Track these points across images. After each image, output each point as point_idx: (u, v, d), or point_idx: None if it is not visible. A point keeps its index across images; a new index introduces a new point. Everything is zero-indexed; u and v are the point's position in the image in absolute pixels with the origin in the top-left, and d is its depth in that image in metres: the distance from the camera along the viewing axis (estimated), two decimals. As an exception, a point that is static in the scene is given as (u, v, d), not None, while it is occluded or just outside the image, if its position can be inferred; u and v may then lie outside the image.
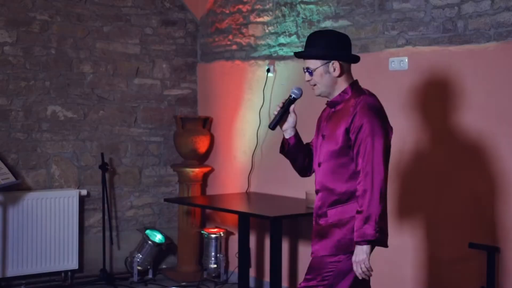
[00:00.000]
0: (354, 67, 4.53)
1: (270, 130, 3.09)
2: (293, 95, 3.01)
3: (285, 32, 5.10)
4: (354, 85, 2.97)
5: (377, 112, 2.87)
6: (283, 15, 5.12)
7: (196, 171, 5.63)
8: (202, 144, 5.64)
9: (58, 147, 5.32)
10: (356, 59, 3.01)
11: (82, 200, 5.38)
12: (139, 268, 5.46)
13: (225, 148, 5.72)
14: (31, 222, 5.05)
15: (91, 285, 5.30)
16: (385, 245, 2.83)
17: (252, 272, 5.26)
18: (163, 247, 5.61)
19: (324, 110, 3.11)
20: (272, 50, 5.21)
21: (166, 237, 5.65)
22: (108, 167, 5.42)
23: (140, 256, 5.46)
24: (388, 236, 2.85)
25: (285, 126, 3.04)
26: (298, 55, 3.01)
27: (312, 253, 2.99)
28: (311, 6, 4.88)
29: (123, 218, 5.66)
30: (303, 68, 2.98)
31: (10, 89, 5.09)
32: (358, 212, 2.78)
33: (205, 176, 5.84)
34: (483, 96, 3.90)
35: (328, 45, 2.92)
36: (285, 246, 4.98)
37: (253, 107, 5.31)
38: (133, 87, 5.68)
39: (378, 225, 2.74)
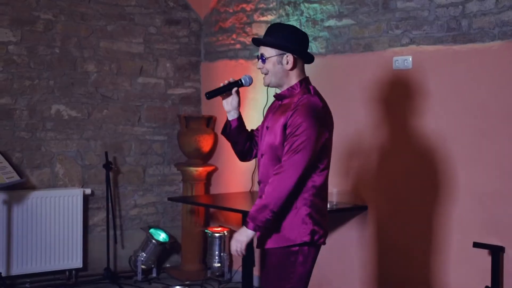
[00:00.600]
0: (358, 66, 4.57)
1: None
2: (242, 81, 3.05)
3: (289, 31, 5.10)
4: (303, 82, 2.99)
5: (314, 113, 2.87)
6: (287, 14, 5.12)
7: (200, 170, 5.64)
8: (205, 143, 5.65)
9: (62, 146, 5.33)
10: (311, 59, 3.05)
11: (86, 199, 5.39)
12: (143, 267, 5.46)
13: (229, 147, 5.66)
14: (36, 220, 5.06)
15: (95, 283, 5.31)
16: (256, 231, 2.90)
17: (256, 271, 5.25)
18: (167, 246, 5.61)
19: (274, 101, 3.14)
20: (276, 49, 5.20)
21: (170, 236, 5.66)
22: (112, 166, 5.43)
23: (144, 255, 5.47)
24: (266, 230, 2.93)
25: (228, 107, 3.07)
26: (255, 41, 3.05)
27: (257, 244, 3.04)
28: (315, 5, 4.88)
29: (127, 217, 5.67)
30: (257, 55, 3.01)
31: (14, 88, 5.10)
32: (260, 196, 2.86)
33: (209, 175, 5.85)
34: (487, 95, 3.90)
35: (285, 37, 2.95)
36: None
37: (256, 106, 5.30)
38: (137, 86, 5.69)
39: (271, 217, 2.82)
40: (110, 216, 5.42)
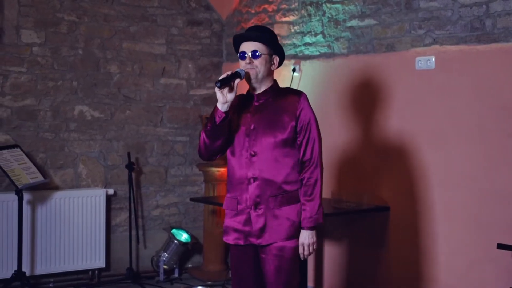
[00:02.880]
0: (381, 66, 4.54)
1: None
2: (240, 73, 3.00)
3: (310, 31, 5.09)
4: (276, 83, 3.16)
5: (311, 106, 3.11)
6: (309, 15, 5.10)
7: (221, 171, 5.64)
8: (227, 144, 5.64)
9: (85, 147, 5.37)
10: (281, 64, 3.17)
11: (109, 199, 5.43)
12: (165, 267, 5.49)
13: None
14: (59, 221, 5.10)
15: (117, 283, 5.34)
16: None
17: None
18: (188, 246, 5.63)
19: (237, 101, 3.10)
20: (298, 49, 5.20)
21: (191, 236, 5.68)
22: (134, 166, 5.46)
23: (166, 255, 5.49)
24: None
25: (224, 99, 2.95)
26: (251, 36, 3.05)
27: (260, 242, 3.05)
28: (337, 5, 4.86)
29: (149, 217, 5.70)
30: (243, 51, 3.05)
31: (38, 89, 5.15)
32: (309, 200, 3.03)
33: (231, 175, 5.84)
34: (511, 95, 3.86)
35: (274, 39, 3.12)
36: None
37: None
38: (159, 87, 5.72)
39: (323, 211, 3.08)
40: (133, 216, 5.45)
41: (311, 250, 3.07)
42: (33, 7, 5.11)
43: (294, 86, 5.18)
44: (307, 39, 5.12)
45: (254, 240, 3.06)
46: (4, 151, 4.74)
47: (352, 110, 4.77)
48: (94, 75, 5.39)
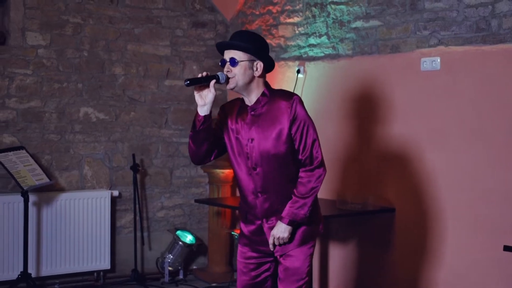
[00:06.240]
0: (386, 67, 4.54)
1: None
2: (219, 76, 2.95)
3: (315, 33, 5.10)
4: (269, 87, 3.05)
5: (305, 108, 3.01)
6: (313, 16, 5.11)
7: (226, 172, 5.64)
8: (232, 145, 5.64)
9: (90, 148, 5.38)
10: (272, 68, 3.08)
11: (114, 200, 5.43)
12: (170, 268, 5.49)
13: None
14: (64, 222, 5.11)
15: (122, 285, 5.34)
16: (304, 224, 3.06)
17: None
18: (193, 248, 5.63)
19: (231, 109, 3.10)
20: (302, 51, 5.20)
21: (196, 238, 5.68)
22: (139, 168, 5.47)
23: (171, 256, 5.50)
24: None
25: (202, 101, 2.96)
26: (228, 44, 2.99)
27: (275, 251, 3.06)
28: (342, 6, 4.87)
29: (154, 219, 5.70)
30: (223, 59, 2.98)
31: (43, 91, 5.16)
32: (299, 196, 2.97)
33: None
34: (518, 96, 3.86)
35: (257, 44, 2.98)
36: (316, 247, 4.97)
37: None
38: (163, 88, 5.72)
39: (309, 211, 2.99)
40: (138, 218, 5.46)
41: (277, 241, 3.00)
42: (39, 9, 5.12)
43: (299, 88, 5.18)
44: (312, 40, 5.12)
45: (265, 250, 3.07)
46: (9, 153, 4.75)
47: (357, 111, 4.76)
48: (99, 77, 5.40)
